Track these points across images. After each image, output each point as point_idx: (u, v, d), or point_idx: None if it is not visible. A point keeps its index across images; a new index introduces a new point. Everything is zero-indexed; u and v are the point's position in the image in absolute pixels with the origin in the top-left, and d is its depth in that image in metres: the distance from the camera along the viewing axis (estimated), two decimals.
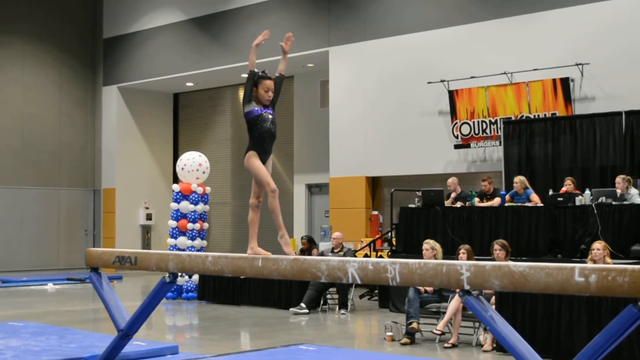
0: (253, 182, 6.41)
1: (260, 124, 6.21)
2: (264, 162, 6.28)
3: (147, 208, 24.05)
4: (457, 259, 10.12)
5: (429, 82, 16.93)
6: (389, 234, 16.32)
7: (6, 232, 23.56)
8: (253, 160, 6.24)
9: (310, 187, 21.11)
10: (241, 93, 23.16)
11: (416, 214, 14.09)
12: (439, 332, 10.18)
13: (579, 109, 15.03)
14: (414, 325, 10.28)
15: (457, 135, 16.54)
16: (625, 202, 11.81)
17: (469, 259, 10.24)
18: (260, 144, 6.24)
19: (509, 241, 11.03)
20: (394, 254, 14.34)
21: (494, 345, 9.58)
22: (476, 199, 13.72)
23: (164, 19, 22.83)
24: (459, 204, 13.94)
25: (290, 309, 13.57)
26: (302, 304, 13.51)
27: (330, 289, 14.06)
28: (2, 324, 11.28)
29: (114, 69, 24.21)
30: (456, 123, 16.52)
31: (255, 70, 6.35)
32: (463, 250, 10.56)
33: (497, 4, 16.42)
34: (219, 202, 23.05)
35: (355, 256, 15.04)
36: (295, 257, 5.81)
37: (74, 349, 8.88)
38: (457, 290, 4.97)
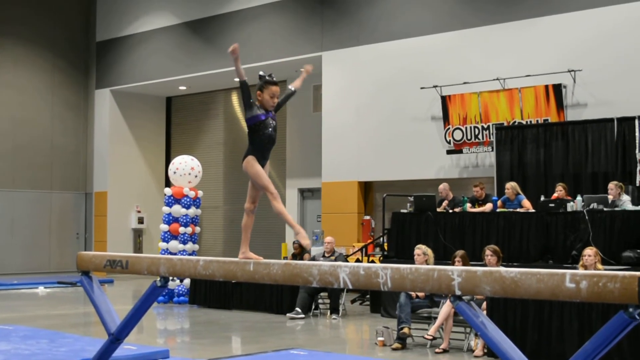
0: (249, 187, 6.34)
1: (262, 130, 6.08)
2: (262, 167, 6.23)
3: (138, 212, 24.02)
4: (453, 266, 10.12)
5: (421, 88, 16.95)
6: (381, 239, 16.32)
7: None
8: (253, 164, 6.14)
9: (303, 192, 21.11)
10: (234, 97, 23.17)
11: (408, 219, 14.10)
12: (430, 338, 10.18)
13: (571, 115, 15.06)
14: (405, 330, 10.28)
15: (450, 140, 16.56)
16: (616, 209, 11.84)
17: (464, 265, 10.24)
18: (259, 149, 6.14)
19: (501, 247, 11.05)
20: (385, 259, 14.35)
21: (485, 350, 9.59)
22: (468, 205, 13.74)
23: (157, 22, 22.82)
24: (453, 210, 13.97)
25: (287, 315, 13.54)
26: (298, 309, 13.50)
27: (321, 294, 14.06)
28: None
29: (106, 72, 24.19)
30: (449, 128, 16.54)
31: (262, 73, 6.20)
32: (458, 257, 10.56)
33: (490, 10, 16.45)
34: (211, 206, 23.03)
35: (347, 261, 15.04)
36: (287, 262, 5.80)
37: (64, 353, 8.86)
38: (449, 295, 4.97)
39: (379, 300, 14.00)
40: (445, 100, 16.60)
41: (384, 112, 17.94)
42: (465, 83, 16.34)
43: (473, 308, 4.95)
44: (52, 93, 24.73)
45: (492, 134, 15.66)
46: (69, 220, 25.10)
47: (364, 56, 18.27)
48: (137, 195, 24.11)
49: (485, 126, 16.03)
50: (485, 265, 10.23)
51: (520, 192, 13.37)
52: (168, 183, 18.99)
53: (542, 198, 13.01)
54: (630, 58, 14.65)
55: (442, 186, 14.71)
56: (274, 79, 6.16)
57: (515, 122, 15.56)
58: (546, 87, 15.22)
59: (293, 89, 6.41)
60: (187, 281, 15.64)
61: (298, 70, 19.81)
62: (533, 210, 12.83)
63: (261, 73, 6.18)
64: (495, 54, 16.27)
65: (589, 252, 9.70)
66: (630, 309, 4.24)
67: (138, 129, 24.37)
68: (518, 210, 13.00)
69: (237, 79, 6.15)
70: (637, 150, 13.56)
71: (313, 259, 14.28)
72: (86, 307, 15.02)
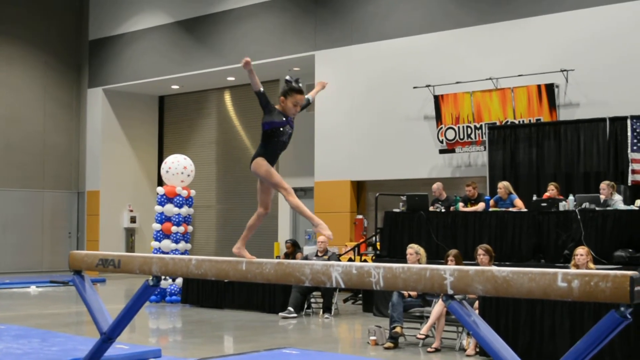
0: (259, 191, 6.25)
1: (277, 137, 5.99)
2: None
3: (131, 211, 23.98)
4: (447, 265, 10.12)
5: (414, 87, 16.96)
6: (374, 238, 16.33)
7: None
8: (263, 164, 6.03)
9: (295, 191, 21.01)
10: (227, 96, 23.14)
11: (401, 218, 14.11)
12: (423, 337, 10.19)
13: (564, 115, 15.09)
14: (398, 329, 10.29)
15: (442, 140, 16.57)
16: (608, 208, 11.87)
17: (457, 265, 10.25)
18: (271, 154, 6.07)
19: (493, 246, 11.07)
20: (378, 258, 14.36)
21: (477, 349, 9.60)
22: (460, 204, 13.76)
23: (149, 21, 22.79)
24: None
25: (280, 314, 13.54)
26: (290, 308, 13.50)
27: (314, 293, 14.06)
28: None
29: (99, 71, 24.14)
30: (441, 128, 16.54)
31: (289, 78, 6.02)
32: (451, 257, 10.56)
33: (483, 10, 16.46)
34: (204, 205, 23.01)
35: (340, 260, 15.05)
36: (279, 261, 5.81)
37: (56, 352, 8.84)
38: (441, 294, 4.97)
39: (371, 300, 14.00)
40: (437, 99, 16.60)
41: (376, 111, 17.94)
42: (457, 83, 16.35)
43: (465, 307, 4.96)
44: (44, 92, 24.68)
45: (485, 133, 15.67)
46: (61, 220, 25.05)
47: (357, 55, 18.27)
48: (130, 194, 24.07)
49: (478, 126, 16.05)
50: (477, 264, 10.25)
51: (512, 191, 13.39)
52: (160, 182, 18.98)
53: (535, 197, 13.02)
54: (623, 58, 14.68)
55: (436, 185, 14.71)
56: (300, 85, 6.02)
57: (507, 121, 15.57)
58: (539, 86, 15.25)
59: (310, 98, 6.32)
60: (179, 280, 15.62)
61: (291, 69, 19.93)
62: (525, 210, 12.84)
63: (288, 78, 6.04)
64: (488, 53, 16.28)
65: (581, 252, 9.73)
66: (622, 308, 4.26)
67: (130, 128, 24.32)
68: (510, 209, 13.02)
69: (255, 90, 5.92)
70: (629, 150, 13.59)
71: (306, 258, 14.29)
72: (78, 307, 15.00)
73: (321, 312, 13.83)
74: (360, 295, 15.16)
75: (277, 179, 6.01)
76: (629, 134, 13.62)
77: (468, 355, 9.68)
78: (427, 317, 10.36)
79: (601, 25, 14.95)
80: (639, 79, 14.43)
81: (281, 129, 6.01)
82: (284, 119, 6.01)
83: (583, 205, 11.98)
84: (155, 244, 16.05)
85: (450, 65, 16.67)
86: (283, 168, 21.19)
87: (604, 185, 12.29)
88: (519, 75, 15.50)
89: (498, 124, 15.63)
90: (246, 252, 6.17)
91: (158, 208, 16.16)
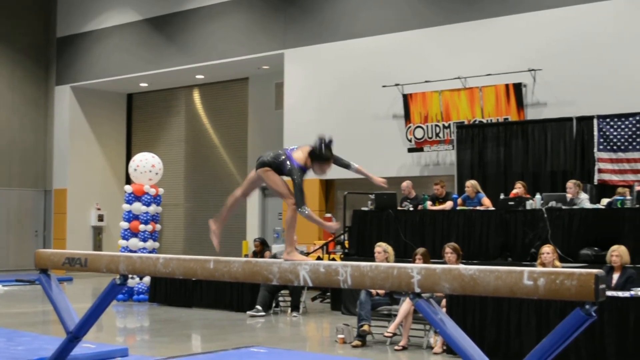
0: (248, 182, 6.68)
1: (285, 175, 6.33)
2: None
3: (98, 209, 23.81)
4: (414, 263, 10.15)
5: (383, 86, 16.99)
6: (342, 236, 16.34)
7: None
8: (273, 173, 6.60)
9: (264, 189, 21.04)
10: (195, 94, 23.03)
11: (369, 217, 14.13)
12: (390, 335, 10.23)
13: (531, 114, 15.19)
14: (365, 327, 10.32)
15: (411, 139, 16.62)
16: (575, 207, 11.96)
17: (425, 263, 10.28)
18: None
19: (461, 244, 11.12)
20: (346, 256, 14.37)
21: (444, 347, 9.64)
22: (428, 203, 13.80)
23: (118, 18, 22.64)
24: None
25: (248, 312, 13.51)
26: (258, 307, 13.47)
27: (282, 291, 14.04)
28: None
29: (67, 69, 23.94)
30: (410, 127, 16.60)
31: (324, 138, 6.53)
32: (419, 255, 10.59)
33: (452, 9, 16.53)
34: (172, 203, 22.90)
35: None
36: (247, 260, 5.81)
37: (21, 352, 8.77)
38: (408, 293, 4.99)
39: (339, 298, 14.01)
40: (406, 98, 16.65)
41: (345, 110, 17.95)
42: (426, 82, 16.40)
43: (432, 305, 4.99)
44: (11, 89, 24.42)
45: (453, 132, 15.75)
46: (28, 218, 24.82)
47: (326, 54, 18.28)
48: (97, 192, 23.90)
49: (446, 125, 16.11)
50: (445, 263, 10.30)
51: (480, 190, 13.46)
52: (128, 180, 18.84)
53: (502, 196, 13.10)
54: (590, 58, 14.80)
55: (405, 184, 14.70)
56: (333, 151, 6.50)
57: (475, 120, 15.65)
58: (506, 86, 15.34)
59: (354, 168, 6.53)
60: (147, 279, 15.54)
61: (260, 67, 19.87)
62: (493, 208, 12.92)
63: (321, 137, 6.40)
64: (457, 52, 16.35)
65: (547, 250, 9.81)
66: (587, 306, 4.31)
67: (99, 126, 24.15)
68: (478, 208, 13.08)
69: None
70: (595, 150, 13.73)
71: (274, 256, 14.27)
72: (45, 306, 14.86)
73: (289, 311, 13.83)
74: (329, 294, 15.17)
75: (285, 191, 6.26)
76: (596, 133, 13.75)
77: (435, 353, 9.72)
78: (395, 315, 10.39)
79: (568, 25, 15.06)
80: (606, 79, 14.56)
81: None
82: (304, 168, 6.52)
83: (550, 204, 12.07)
84: (122, 242, 15.95)
85: (419, 65, 16.73)
86: (251, 166, 21.12)
87: (570, 184, 12.38)
88: (487, 75, 15.58)
89: (466, 123, 15.71)
90: (216, 236, 6.26)
91: (126, 206, 16.07)
